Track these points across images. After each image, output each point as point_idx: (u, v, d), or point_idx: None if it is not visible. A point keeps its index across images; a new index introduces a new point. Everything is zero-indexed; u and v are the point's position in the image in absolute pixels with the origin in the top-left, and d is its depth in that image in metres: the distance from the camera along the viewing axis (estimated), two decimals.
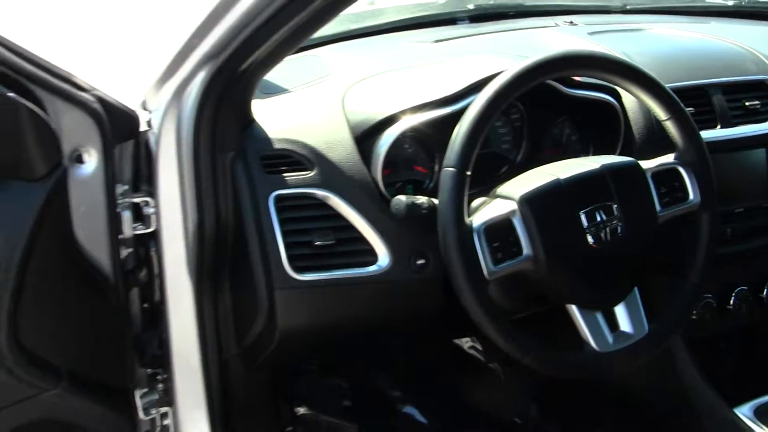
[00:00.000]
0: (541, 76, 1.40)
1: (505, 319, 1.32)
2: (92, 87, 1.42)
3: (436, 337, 2.04)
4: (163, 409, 1.69)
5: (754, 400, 1.75)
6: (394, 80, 1.63)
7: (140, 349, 1.64)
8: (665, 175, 1.46)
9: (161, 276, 1.57)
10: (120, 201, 1.50)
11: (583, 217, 1.35)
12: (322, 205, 1.44)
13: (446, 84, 1.55)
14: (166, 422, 1.69)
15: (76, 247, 1.42)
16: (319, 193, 1.44)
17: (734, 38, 1.99)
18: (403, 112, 1.51)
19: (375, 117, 1.51)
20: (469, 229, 1.30)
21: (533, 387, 2.19)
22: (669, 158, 1.49)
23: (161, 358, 1.65)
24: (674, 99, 1.47)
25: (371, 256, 1.45)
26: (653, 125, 1.64)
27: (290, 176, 1.44)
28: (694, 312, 1.76)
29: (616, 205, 1.38)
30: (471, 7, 2.14)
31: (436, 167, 1.54)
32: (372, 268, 1.45)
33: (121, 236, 1.50)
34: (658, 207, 1.44)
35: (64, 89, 1.36)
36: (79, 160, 1.40)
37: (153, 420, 1.68)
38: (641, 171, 1.44)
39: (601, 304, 1.40)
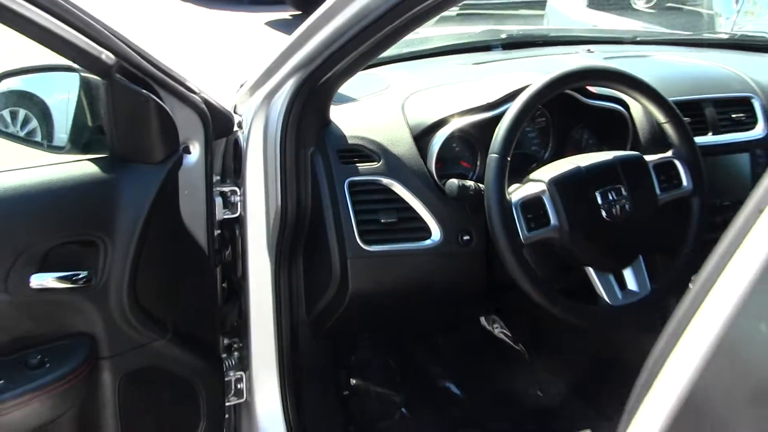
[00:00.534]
0: (562, 85, 1.74)
1: (537, 275, 1.65)
2: (200, 90, 1.69)
3: (472, 319, 2.34)
4: (239, 374, 1.93)
5: None
6: (443, 92, 1.96)
7: (221, 319, 1.92)
8: (664, 167, 1.80)
9: (243, 255, 1.84)
10: (215, 189, 1.77)
11: (598, 196, 1.69)
12: (387, 190, 1.74)
13: (486, 94, 1.88)
14: (240, 386, 1.94)
15: (180, 224, 1.68)
16: (385, 180, 1.75)
17: (725, 64, 2.33)
18: (452, 116, 1.84)
19: (429, 120, 1.84)
20: (509, 204, 1.63)
21: (556, 366, 2.48)
22: (667, 154, 1.82)
23: (238, 329, 1.92)
24: (671, 105, 1.81)
25: (426, 233, 1.75)
26: (655, 129, 1.95)
27: (361, 166, 1.75)
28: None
29: (624, 188, 1.71)
30: (503, 36, 2.48)
31: (479, 162, 1.86)
32: (427, 243, 1.75)
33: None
34: (658, 191, 1.77)
35: (180, 90, 1.61)
36: (186, 150, 1.66)
37: (229, 382, 1.92)
38: (644, 162, 1.77)
39: (612, 267, 1.72)
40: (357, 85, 1.97)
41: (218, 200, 1.78)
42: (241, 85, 1.86)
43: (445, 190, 1.74)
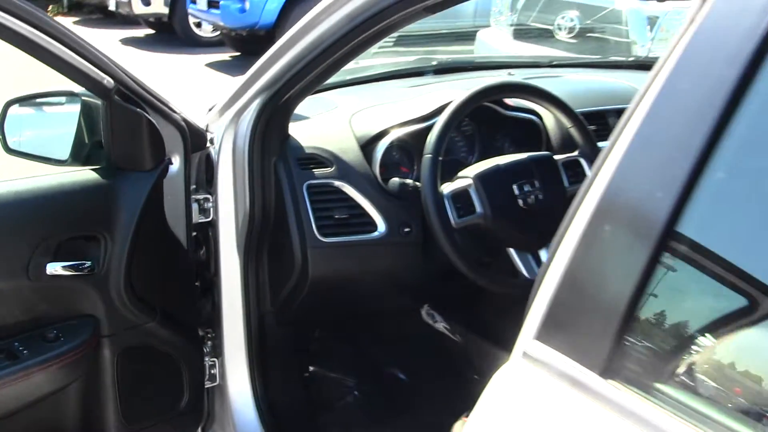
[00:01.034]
0: (482, 98, 2.09)
1: (467, 253, 1.98)
2: (180, 110, 1.99)
3: (415, 306, 2.65)
4: (212, 360, 2.20)
5: None
6: (384, 109, 2.30)
7: (197, 311, 2.19)
8: (571, 164, 2.15)
9: (216, 255, 2.14)
10: (192, 196, 2.09)
11: (515, 188, 2.03)
12: (339, 191, 2.07)
13: (419, 109, 2.23)
14: (213, 371, 2.20)
15: (165, 224, 1.97)
16: (337, 182, 2.07)
17: (629, 81, 2.71)
18: (392, 128, 2.18)
19: (372, 131, 2.18)
20: (441, 196, 1.98)
21: (490, 351, 2.78)
22: (574, 153, 2.18)
23: (212, 320, 2.19)
24: (574, 113, 2.17)
25: (373, 226, 2.08)
26: (563, 134, 2.30)
27: (317, 171, 2.07)
28: None
29: (537, 181, 2.06)
30: (435, 63, 2.84)
31: (416, 166, 2.20)
32: (374, 234, 2.08)
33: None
34: (566, 184, 2.12)
35: (164, 110, 1.91)
36: (170, 161, 1.95)
37: (204, 366, 2.19)
38: (554, 161, 2.13)
39: (529, 248, 2.07)
40: (310, 106, 2.28)
41: (195, 206, 2.07)
42: (210, 108, 2.16)
43: (389, 189, 2.08)
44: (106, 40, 10.31)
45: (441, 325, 2.78)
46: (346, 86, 2.59)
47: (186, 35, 10.47)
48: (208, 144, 2.11)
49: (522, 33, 5.92)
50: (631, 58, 3.47)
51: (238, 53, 9.99)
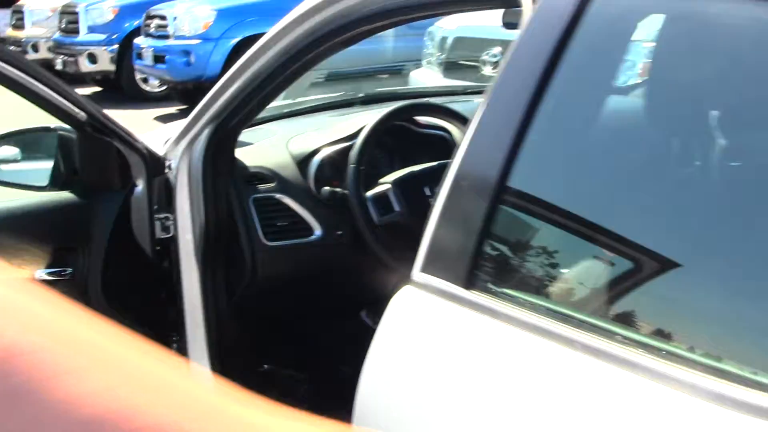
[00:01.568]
0: (393, 118, 2.49)
1: (391, 248, 2.36)
2: (142, 140, 2.40)
3: (354, 306, 3.00)
4: None
5: None
6: (316, 133, 2.69)
7: (164, 317, 2.55)
8: None
9: (177, 265, 2.52)
10: (154, 215, 2.46)
11: (427, 190, 2.42)
12: (280, 202, 2.44)
13: (345, 130, 2.62)
14: None
15: (133, 238, 2.34)
16: (278, 195, 2.45)
17: None
18: (322, 147, 2.57)
19: (306, 151, 2.56)
20: (365, 199, 2.36)
21: None
22: None
23: (176, 325, 2.51)
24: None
25: (310, 231, 2.45)
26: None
27: (261, 187, 2.44)
28: None
29: None
30: (362, 95, 3.25)
31: (345, 178, 2.58)
32: (311, 238, 2.45)
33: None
34: None
35: (129, 140, 2.27)
36: (135, 184, 2.32)
37: None
38: None
39: None
40: (253, 135, 2.66)
41: (157, 224, 2.41)
42: (167, 141, 2.53)
43: (322, 198, 2.46)
44: None
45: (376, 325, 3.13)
46: (283, 118, 2.98)
47: (133, 91, 10.77)
48: (167, 169, 2.46)
49: (451, 70, 6.36)
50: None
51: (185, 106, 10.30)
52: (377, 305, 2.82)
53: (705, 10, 1.32)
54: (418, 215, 2.42)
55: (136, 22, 10.44)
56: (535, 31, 1.31)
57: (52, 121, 2.19)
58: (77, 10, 11.00)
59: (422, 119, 2.67)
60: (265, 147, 2.62)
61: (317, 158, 2.55)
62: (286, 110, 3.02)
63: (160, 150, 2.48)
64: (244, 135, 2.49)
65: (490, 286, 1.29)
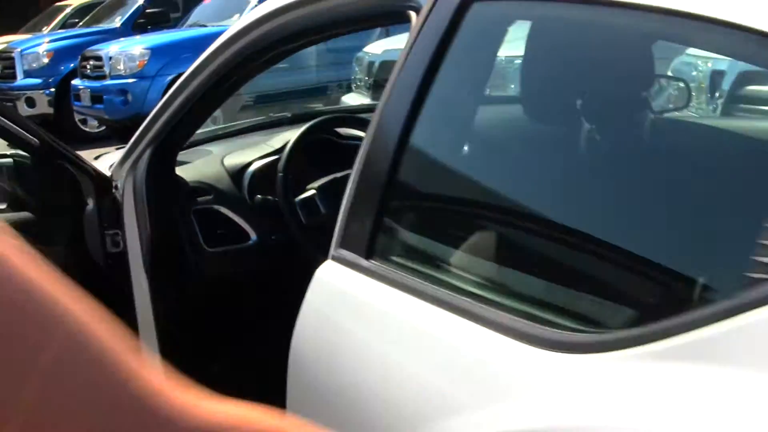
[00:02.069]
0: (315, 130, 2.78)
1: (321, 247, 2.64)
2: (90, 163, 2.66)
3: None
4: None
5: None
6: (248, 150, 2.97)
7: None
8: None
9: (128, 277, 2.77)
10: (105, 231, 2.72)
11: None
12: (218, 212, 2.72)
13: (274, 145, 2.91)
14: None
15: (88, 253, 2.62)
16: (216, 206, 2.73)
17: None
18: (254, 160, 2.85)
19: (240, 165, 2.84)
20: (294, 203, 2.64)
21: None
22: None
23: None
24: None
25: (247, 237, 2.73)
26: None
27: (200, 199, 2.72)
28: None
29: None
30: (289, 115, 3.53)
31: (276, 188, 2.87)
32: (249, 243, 2.73)
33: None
34: None
35: (79, 163, 2.54)
36: (86, 203, 2.62)
37: None
38: None
39: None
40: (190, 155, 2.94)
41: (108, 240, 2.67)
42: (112, 165, 2.79)
43: (256, 206, 2.74)
44: None
45: None
46: (217, 139, 3.26)
47: (73, 132, 10.88)
48: (114, 189, 2.72)
49: (379, 92, 6.67)
50: None
51: (124, 145, 10.47)
52: None
53: (563, 15, 1.62)
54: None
55: (71, 65, 10.60)
56: (418, 40, 1.61)
57: (6, 149, 2.45)
58: (12, 55, 11.14)
59: (343, 131, 2.95)
60: (202, 164, 2.89)
61: (250, 170, 2.82)
62: (219, 132, 3.30)
63: (107, 172, 2.74)
64: (182, 156, 2.75)
65: (387, 256, 1.59)
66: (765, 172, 1.28)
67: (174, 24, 11.34)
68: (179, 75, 2.42)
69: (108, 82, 9.70)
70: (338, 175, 2.73)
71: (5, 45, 11.52)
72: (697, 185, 1.41)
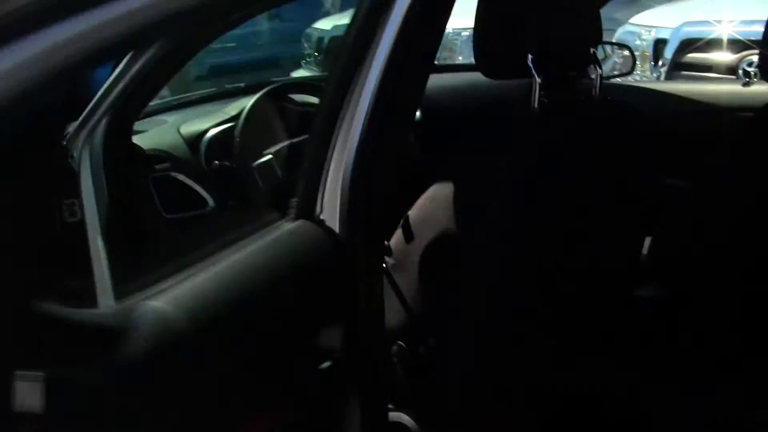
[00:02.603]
0: (271, 96, 2.82)
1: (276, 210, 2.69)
2: None
3: None
4: None
5: None
6: (204, 118, 3.01)
7: None
8: None
9: (86, 247, 2.79)
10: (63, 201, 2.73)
11: None
12: (175, 179, 2.75)
13: (229, 113, 2.94)
14: None
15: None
16: (173, 173, 2.76)
17: None
18: (210, 128, 2.89)
19: (196, 132, 2.87)
20: (250, 167, 2.69)
21: None
22: None
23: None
24: None
25: (205, 203, 2.78)
26: None
27: (158, 166, 2.76)
28: None
29: None
30: (243, 85, 3.56)
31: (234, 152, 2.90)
32: (207, 208, 2.77)
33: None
34: None
35: None
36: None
37: None
38: None
39: None
40: (146, 125, 2.97)
41: (65, 209, 2.71)
42: (67, 133, 2.80)
43: (213, 172, 2.78)
44: None
45: None
46: (172, 109, 3.28)
47: None
48: (70, 158, 2.74)
49: (327, 68, 6.72)
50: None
51: None
52: None
53: None
54: None
55: None
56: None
57: None
58: None
59: (298, 98, 3.00)
60: (158, 132, 2.92)
61: (206, 138, 2.86)
62: (174, 102, 3.32)
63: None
64: (138, 125, 2.77)
65: None
66: None
67: None
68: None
69: None
70: (294, 140, 2.78)
71: None
72: None
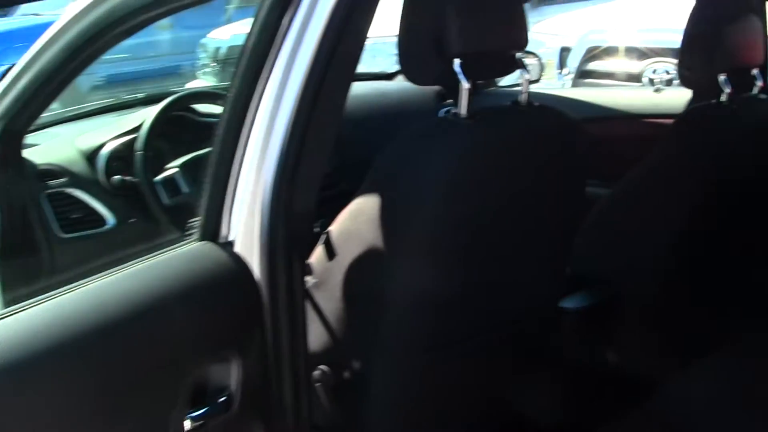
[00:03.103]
0: (170, 109, 2.67)
1: (180, 228, 2.54)
2: None
3: None
4: None
5: None
6: (102, 129, 2.83)
7: None
8: None
9: None
10: None
11: None
12: (71, 196, 2.58)
13: (129, 125, 2.77)
14: None
15: None
16: (68, 189, 2.58)
17: None
18: (109, 141, 2.71)
19: (94, 145, 2.69)
20: (152, 181, 2.53)
21: None
22: None
23: None
24: None
25: (103, 221, 2.62)
26: None
27: (52, 182, 2.58)
28: None
29: None
30: (141, 96, 3.39)
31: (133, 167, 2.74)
32: (106, 227, 2.61)
33: None
34: None
35: None
36: None
37: None
38: None
39: None
40: (38, 138, 2.77)
41: None
42: None
43: (113, 188, 2.61)
44: None
45: None
46: (67, 122, 3.09)
47: None
48: None
49: (225, 77, 6.57)
50: None
51: None
52: None
53: None
54: None
55: None
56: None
57: None
58: None
59: (201, 108, 2.85)
60: (52, 146, 2.74)
61: (105, 151, 2.68)
62: (69, 114, 3.13)
63: None
64: (30, 139, 2.59)
65: None
66: None
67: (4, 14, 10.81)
68: (12, 66, 2.25)
69: None
70: (200, 153, 2.64)
71: None
72: None
